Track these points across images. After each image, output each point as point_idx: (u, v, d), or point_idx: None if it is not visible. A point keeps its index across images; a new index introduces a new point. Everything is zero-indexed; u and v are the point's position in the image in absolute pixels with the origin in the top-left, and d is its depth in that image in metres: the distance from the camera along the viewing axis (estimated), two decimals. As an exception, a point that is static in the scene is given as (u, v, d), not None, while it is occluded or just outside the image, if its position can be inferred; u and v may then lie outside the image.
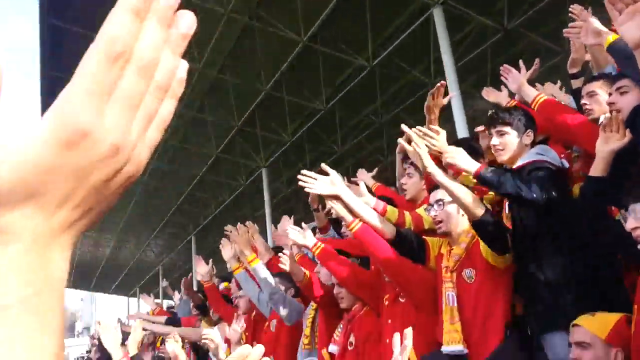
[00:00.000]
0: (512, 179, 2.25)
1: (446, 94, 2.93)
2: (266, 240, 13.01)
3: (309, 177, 2.61)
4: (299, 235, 3.09)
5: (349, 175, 14.33)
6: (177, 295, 7.45)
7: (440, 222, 2.52)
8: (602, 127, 2.15)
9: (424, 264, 2.63)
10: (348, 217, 2.60)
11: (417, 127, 2.52)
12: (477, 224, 2.27)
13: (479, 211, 2.24)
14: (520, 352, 2.30)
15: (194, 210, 19.59)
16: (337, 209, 2.58)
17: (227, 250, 4.17)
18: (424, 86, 11.32)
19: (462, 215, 2.46)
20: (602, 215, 2.12)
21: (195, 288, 8.65)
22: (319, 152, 15.17)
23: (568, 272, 2.20)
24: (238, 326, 3.59)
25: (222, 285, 6.13)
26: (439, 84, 2.88)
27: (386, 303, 2.77)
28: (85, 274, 29.22)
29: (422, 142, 2.35)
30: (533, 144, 2.57)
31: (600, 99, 2.71)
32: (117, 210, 20.12)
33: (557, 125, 2.63)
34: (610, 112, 2.35)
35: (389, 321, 2.69)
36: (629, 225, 1.48)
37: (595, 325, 1.85)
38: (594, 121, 2.61)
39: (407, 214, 2.92)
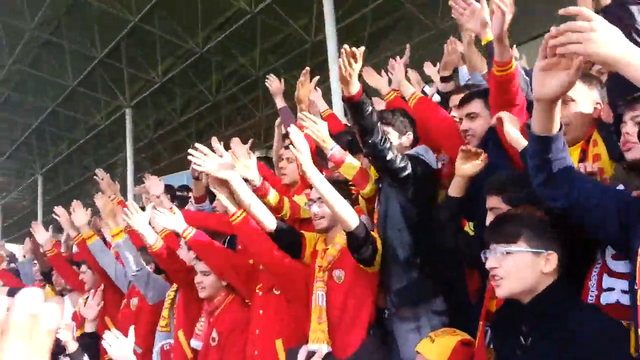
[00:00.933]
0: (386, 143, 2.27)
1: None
2: (126, 189, 12.20)
3: (200, 151, 2.43)
4: (167, 219, 2.84)
5: (221, 123, 13.93)
6: (19, 250, 6.61)
7: (322, 218, 2.46)
8: (460, 150, 2.20)
9: (299, 258, 2.57)
10: (231, 208, 2.48)
11: (304, 113, 2.50)
12: (348, 236, 2.26)
13: (352, 223, 2.23)
14: (380, 348, 2.38)
15: (42, 147, 17.64)
16: (221, 198, 2.46)
17: (80, 215, 3.67)
18: (304, 42, 11.11)
19: None
20: (455, 227, 2.22)
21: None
22: (191, 97, 14.40)
23: (418, 258, 2.34)
24: (95, 302, 3.24)
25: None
26: (304, 71, 2.79)
27: (259, 293, 2.69)
28: None
29: (303, 144, 2.22)
30: (412, 146, 2.62)
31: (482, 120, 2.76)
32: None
33: (427, 126, 2.66)
34: (465, 137, 2.42)
35: (261, 311, 2.62)
36: (489, 264, 1.56)
37: (435, 352, 1.94)
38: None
39: (285, 200, 2.84)
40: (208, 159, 2.42)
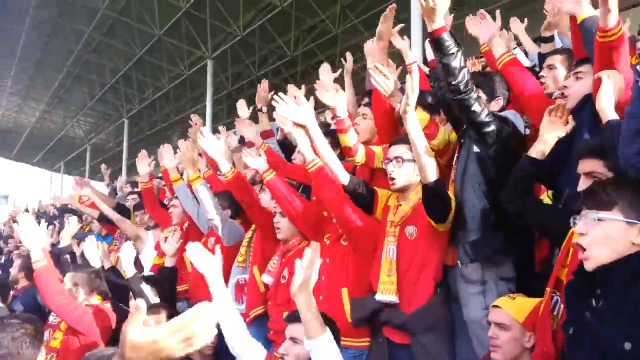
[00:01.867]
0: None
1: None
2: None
3: (282, 99, 2.51)
4: (252, 159, 2.97)
5: (297, 79, 14.03)
6: (104, 188, 7.10)
7: (394, 179, 2.48)
8: (547, 111, 2.12)
9: (371, 213, 2.62)
10: (308, 155, 2.55)
11: (376, 65, 2.46)
12: (425, 188, 2.28)
13: (432, 176, 2.24)
14: (444, 307, 2.41)
15: (129, 92, 18.57)
16: (300, 141, 2.53)
17: (169, 158, 3.91)
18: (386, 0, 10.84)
19: (417, 174, 2.43)
20: (525, 189, 2.16)
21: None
22: (269, 52, 14.55)
23: (494, 214, 2.31)
24: (174, 240, 3.48)
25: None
26: (390, 6, 2.72)
27: (327, 242, 2.76)
28: (6, 141, 27.68)
29: (417, 85, 2.20)
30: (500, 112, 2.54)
31: (558, 73, 2.70)
32: (45, 78, 18.79)
33: (514, 89, 2.58)
34: (561, 93, 2.33)
35: (327, 260, 2.69)
36: (578, 229, 1.51)
37: (515, 309, 1.93)
38: (548, 95, 2.59)
39: (361, 146, 2.85)
40: (289, 106, 2.49)
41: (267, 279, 3.03)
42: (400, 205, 2.48)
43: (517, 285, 2.32)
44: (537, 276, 2.29)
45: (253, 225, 3.40)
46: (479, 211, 2.31)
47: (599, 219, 1.47)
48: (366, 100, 3.26)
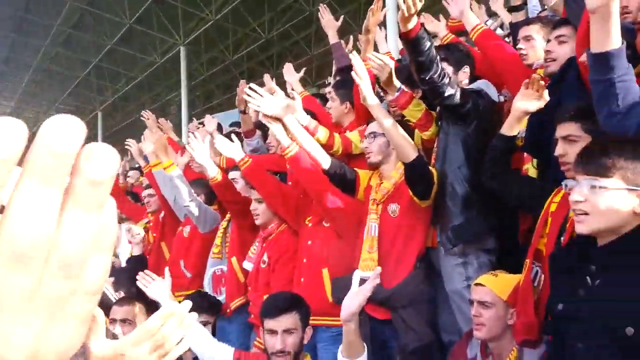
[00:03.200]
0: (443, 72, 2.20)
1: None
2: (180, 128, 12.52)
3: (255, 92, 2.46)
4: (226, 146, 2.88)
5: (273, 62, 13.88)
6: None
7: (370, 152, 2.47)
8: (523, 85, 2.08)
9: (354, 195, 2.59)
10: (285, 142, 2.49)
11: (374, 53, 2.43)
12: (406, 167, 2.27)
13: (411, 154, 2.22)
14: (425, 281, 2.42)
15: (101, 84, 18.19)
16: (274, 130, 2.47)
17: (148, 144, 3.82)
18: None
19: (392, 148, 2.42)
20: (505, 167, 2.13)
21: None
22: (243, 35, 14.32)
23: (476, 194, 2.30)
24: (139, 229, 3.43)
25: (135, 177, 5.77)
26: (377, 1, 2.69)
27: (309, 224, 2.74)
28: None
29: (364, 72, 2.21)
30: (470, 81, 2.55)
31: (536, 44, 2.64)
32: (14, 75, 18.31)
33: (490, 60, 2.54)
34: (546, 59, 2.30)
35: (309, 242, 2.69)
36: (574, 197, 1.40)
37: (498, 286, 1.93)
38: (528, 66, 2.55)
39: (336, 136, 2.83)
40: (263, 100, 2.44)
41: (247, 265, 3.01)
42: (382, 183, 2.47)
43: (500, 257, 2.32)
44: (521, 247, 2.28)
45: (227, 215, 3.36)
46: (460, 195, 2.30)
47: (600, 187, 1.35)
48: (335, 79, 3.22)
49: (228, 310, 3.11)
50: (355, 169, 2.63)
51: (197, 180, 3.65)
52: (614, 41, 1.32)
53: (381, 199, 2.44)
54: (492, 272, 2.06)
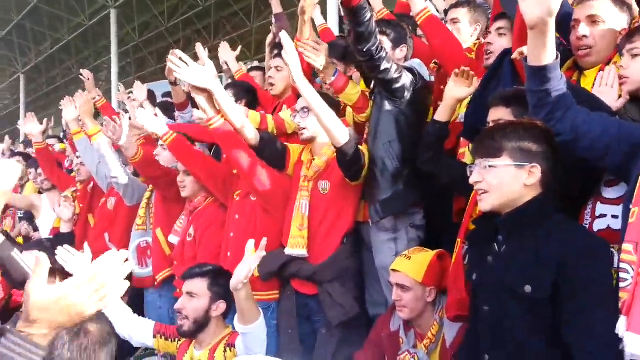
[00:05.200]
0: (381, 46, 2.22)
1: None
2: (110, 94, 11.98)
3: (181, 59, 2.31)
4: (149, 120, 2.75)
5: (211, 32, 13.44)
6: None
7: (304, 128, 2.44)
8: (453, 74, 2.17)
9: (283, 169, 2.56)
10: (210, 112, 2.39)
11: (305, 42, 2.39)
12: (338, 152, 2.26)
13: (342, 139, 2.21)
14: (354, 256, 2.47)
15: (24, 44, 16.99)
16: (199, 101, 2.36)
17: (69, 111, 3.61)
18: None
19: None
20: (438, 153, 2.23)
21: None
22: (180, 1, 13.80)
23: (406, 170, 2.36)
24: (69, 204, 3.29)
25: (58, 147, 5.47)
26: None
27: (237, 198, 2.70)
28: None
29: (295, 53, 2.15)
30: (405, 60, 2.55)
31: (462, 27, 2.71)
32: None
33: (432, 46, 2.60)
34: (486, 51, 2.40)
35: (237, 216, 2.65)
36: (473, 178, 1.58)
37: (412, 269, 2.05)
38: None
39: (269, 118, 2.78)
40: (188, 69, 2.30)
41: (174, 239, 2.95)
42: (313, 159, 2.46)
43: (434, 235, 2.40)
44: (455, 226, 2.36)
45: (150, 186, 3.27)
46: (390, 170, 2.35)
47: (490, 166, 1.52)
48: (276, 51, 3.16)
49: (155, 283, 3.05)
50: (286, 143, 2.60)
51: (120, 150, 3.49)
52: (550, 55, 1.40)
53: (312, 175, 2.43)
54: (405, 253, 2.15)
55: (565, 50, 1.95)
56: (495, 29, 2.39)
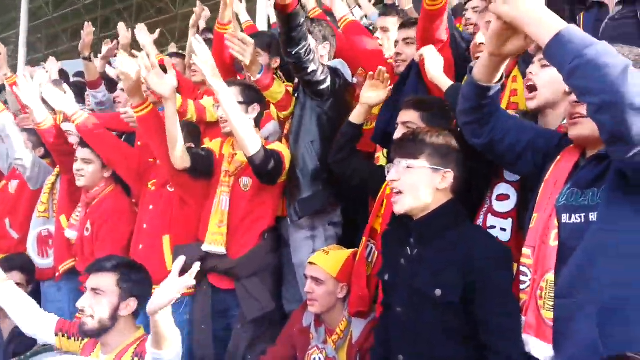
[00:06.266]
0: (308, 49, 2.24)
1: None
2: (16, 70, 11.15)
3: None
4: (57, 98, 2.59)
5: (132, 14, 12.79)
6: None
7: (226, 122, 2.36)
8: (369, 76, 2.24)
9: (211, 176, 2.49)
10: (138, 98, 2.33)
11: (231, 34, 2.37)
12: (250, 161, 2.25)
13: (252, 149, 2.19)
14: (272, 252, 2.48)
15: None
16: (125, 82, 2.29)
17: None
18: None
19: (249, 118, 2.37)
20: (351, 153, 2.28)
21: None
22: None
23: (326, 172, 2.38)
24: None
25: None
26: None
27: (152, 188, 2.60)
28: None
29: (208, 58, 2.14)
30: (328, 57, 2.60)
31: (391, 35, 2.84)
32: None
33: (355, 50, 2.66)
34: (395, 60, 2.51)
35: (151, 207, 2.56)
36: (390, 176, 1.63)
37: (328, 264, 2.08)
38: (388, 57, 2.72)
39: (190, 103, 2.70)
40: (150, 74, 2.22)
41: (71, 234, 2.79)
42: (235, 154, 2.42)
43: (351, 232, 2.45)
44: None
45: (55, 170, 3.08)
46: (310, 169, 2.38)
47: (408, 167, 1.58)
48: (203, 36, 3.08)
49: (57, 274, 2.88)
50: (207, 146, 2.56)
51: (30, 129, 3.25)
52: (498, 77, 1.46)
53: (234, 171, 2.40)
54: (324, 249, 2.19)
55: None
56: (402, 39, 2.50)
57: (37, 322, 2.13)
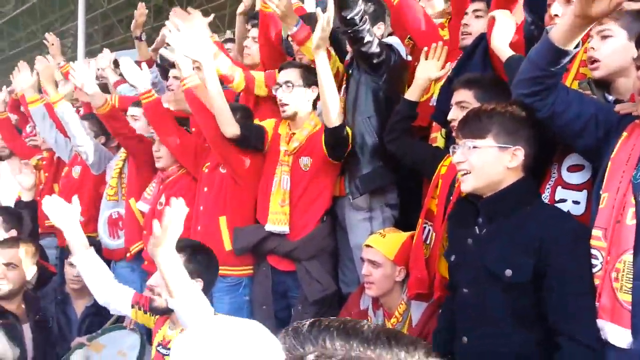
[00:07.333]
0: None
1: None
2: (76, 60, 11.55)
3: (176, 25, 2.24)
4: (133, 72, 2.66)
5: (183, 1, 12.97)
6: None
7: (286, 104, 2.38)
8: (423, 53, 2.18)
9: (262, 150, 2.50)
10: (186, 71, 2.36)
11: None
12: (328, 131, 2.25)
13: (337, 120, 2.20)
14: (331, 234, 2.47)
15: (-16, 5, 16.20)
16: (177, 59, 2.33)
17: (25, 77, 3.37)
18: None
19: (308, 100, 2.37)
20: (406, 132, 2.24)
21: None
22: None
23: (382, 151, 2.33)
24: (29, 170, 3.16)
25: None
26: None
27: (206, 171, 2.64)
28: None
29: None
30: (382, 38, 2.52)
31: (435, 3, 2.80)
32: None
33: (409, 28, 2.58)
34: (462, 32, 2.37)
35: (205, 189, 2.59)
36: (456, 158, 1.59)
37: (385, 247, 2.05)
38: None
39: (238, 70, 2.67)
40: (182, 37, 2.22)
41: (143, 206, 2.86)
42: (294, 133, 2.41)
43: (405, 213, 2.41)
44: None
45: (122, 155, 3.15)
46: (369, 146, 2.34)
47: (474, 147, 1.52)
48: (255, 21, 3.09)
49: (128, 255, 2.97)
50: (261, 123, 2.55)
51: (90, 115, 3.35)
52: (575, 43, 1.39)
53: (293, 150, 2.39)
54: (380, 231, 2.16)
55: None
56: (472, 11, 2.36)
57: (113, 292, 2.21)
